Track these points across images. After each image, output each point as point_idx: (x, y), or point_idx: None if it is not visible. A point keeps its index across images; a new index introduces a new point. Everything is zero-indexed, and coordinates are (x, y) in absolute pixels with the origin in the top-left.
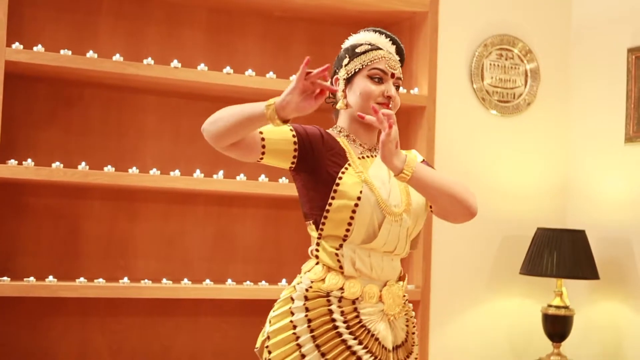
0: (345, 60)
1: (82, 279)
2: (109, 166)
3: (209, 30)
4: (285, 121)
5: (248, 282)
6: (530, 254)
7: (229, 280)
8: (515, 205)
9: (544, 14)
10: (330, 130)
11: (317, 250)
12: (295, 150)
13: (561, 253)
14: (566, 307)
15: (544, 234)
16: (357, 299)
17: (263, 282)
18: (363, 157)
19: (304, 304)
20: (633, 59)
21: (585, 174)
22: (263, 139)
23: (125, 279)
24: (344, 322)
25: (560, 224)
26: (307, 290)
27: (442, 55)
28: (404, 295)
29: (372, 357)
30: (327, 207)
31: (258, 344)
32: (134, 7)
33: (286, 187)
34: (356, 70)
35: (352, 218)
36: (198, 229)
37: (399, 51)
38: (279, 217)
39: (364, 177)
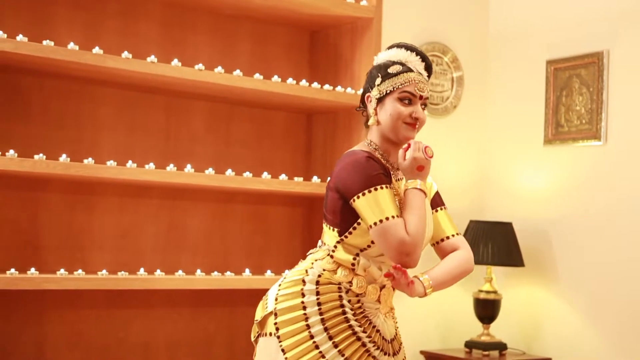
0: (378, 80)
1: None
2: (64, 155)
3: (163, 24)
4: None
5: (199, 273)
6: None
7: (180, 271)
8: (446, 199)
9: (467, 27)
10: (367, 147)
11: (334, 250)
12: None
13: (495, 243)
14: (495, 292)
15: (477, 226)
16: (361, 293)
17: (215, 272)
18: (397, 180)
19: (316, 288)
20: (552, 70)
21: (509, 172)
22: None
23: (80, 271)
24: (351, 309)
25: (486, 216)
26: (319, 276)
27: None
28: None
29: (374, 345)
30: (356, 224)
31: (259, 317)
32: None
33: (234, 180)
34: (387, 92)
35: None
36: (151, 221)
37: (428, 66)
38: (227, 211)
39: (397, 201)
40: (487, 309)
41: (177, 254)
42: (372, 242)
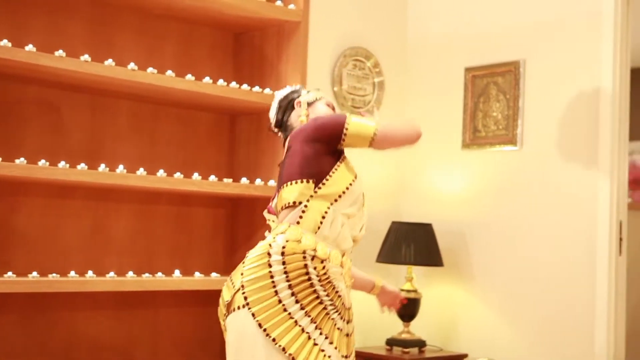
0: (304, 92)
1: None
2: None
3: (91, 22)
4: None
5: (131, 274)
6: (388, 244)
7: (112, 273)
8: (368, 201)
9: (387, 34)
10: None
11: (303, 211)
12: None
13: (417, 244)
14: (415, 291)
15: (399, 227)
16: (326, 259)
17: (146, 274)
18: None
19: (282, 259)
20: (470, 77)
21: (429, 175)
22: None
23: (10, 273)
24: (317, 276)
25: (407, 218)
26: (283, 247)
27: (310, 61)
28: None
29: (334, 309)
30: (334, 171)
31: (228, 297)
32: None
33: (161, 181)
34: (318, 98)
35: (347, 189)
36: (76, 222)
37: None
38: (150, 212)
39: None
40: (407, 308)
41: (102, 255)
42: (343, 192)
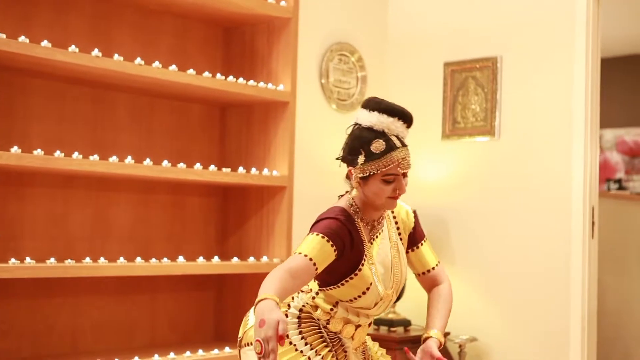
0: (361, 159)
1: None
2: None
3: (93, 17)
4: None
5: (139, 260)
6: None
7: (123, 259)
8: None
9: (369, 30)
10: (347, 207)
11: (315, 295)
12: (335, 256)
13: None
14: None
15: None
16: (338, 331)
17: (153, 260)
18: (371, 242)
19: (298, 314)
20: (449, 71)
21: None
22: (315, 265)
23: (13, 260)
24: (330, 338)
25: None
26: (302, 307)
27: (298, 55)
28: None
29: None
30: (340, 285)
31: (240, 334)
32: None
33: (164, 171)
34: (371, 174)
35: (357, 297)
36: (79, 211)
37: (410, 122)
38: (148, 201)
39: (374, 269)
40: None
41: (102, 241)
42: (350, 301)
